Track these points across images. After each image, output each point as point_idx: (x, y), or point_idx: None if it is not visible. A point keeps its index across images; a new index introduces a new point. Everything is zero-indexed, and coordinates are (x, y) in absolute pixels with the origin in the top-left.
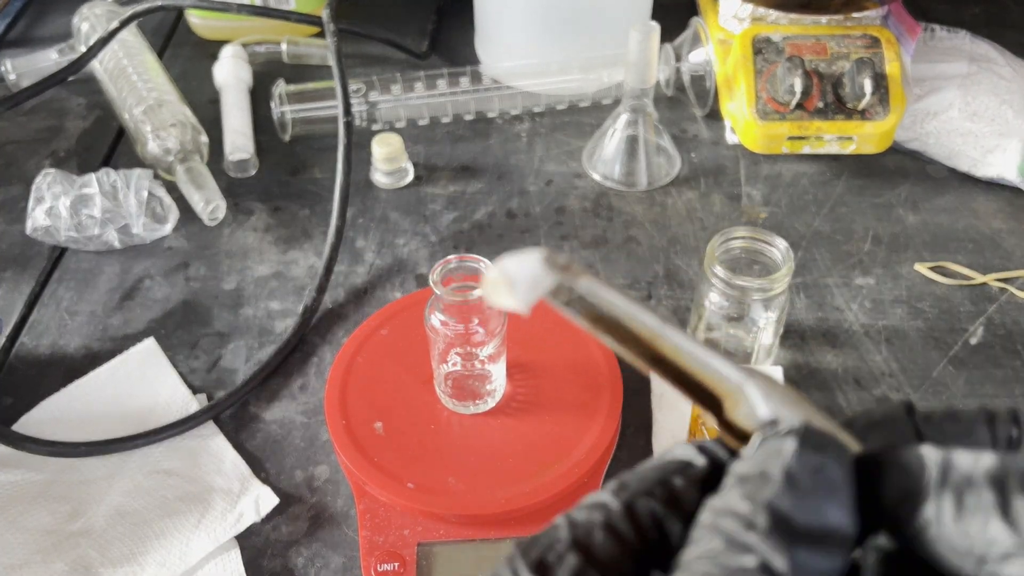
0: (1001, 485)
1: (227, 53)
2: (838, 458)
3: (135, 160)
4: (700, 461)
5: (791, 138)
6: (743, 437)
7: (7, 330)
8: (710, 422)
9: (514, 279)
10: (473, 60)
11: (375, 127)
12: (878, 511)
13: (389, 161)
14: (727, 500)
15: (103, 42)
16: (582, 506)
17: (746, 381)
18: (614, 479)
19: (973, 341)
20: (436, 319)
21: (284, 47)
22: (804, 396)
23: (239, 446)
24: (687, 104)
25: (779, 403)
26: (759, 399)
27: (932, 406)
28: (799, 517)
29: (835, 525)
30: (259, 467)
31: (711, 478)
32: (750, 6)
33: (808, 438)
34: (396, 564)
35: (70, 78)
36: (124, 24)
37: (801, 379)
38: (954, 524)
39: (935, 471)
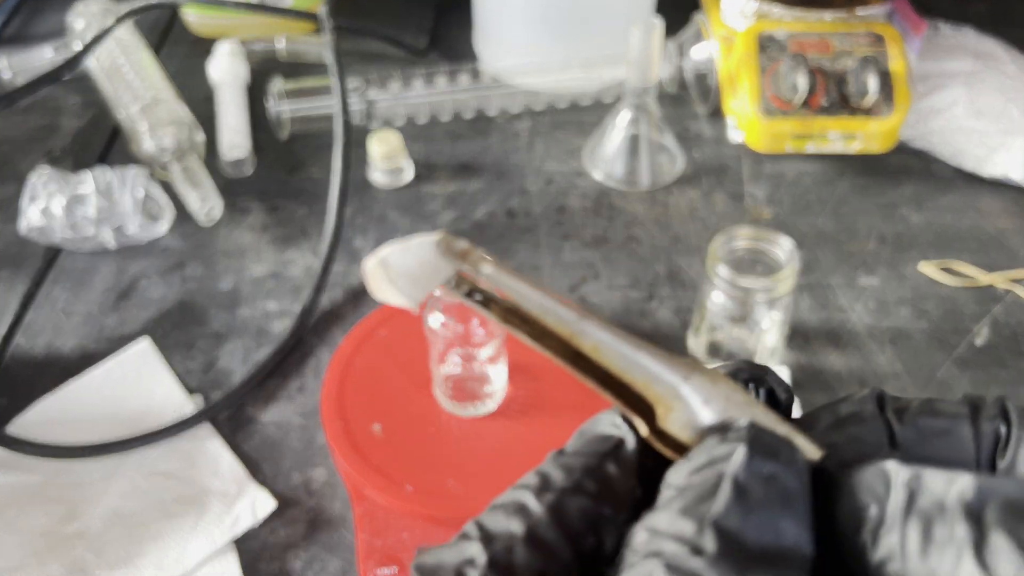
0: (977, 517)
1: (223, 50)
2: (793, 464)
3: (130, 159)
4: (631, 441)
5: (795, 136)
6: (680, 449)
7: (2, 330)
8: (640, 430)
9: (397, 270)
10: (473, 57)
11: (373, 125)
12: (833, 536)
13: (388, 160)
14: (666, 518)
15: (99, 40)
16: (496, 507)
17: (682, 383)
18: (532, 469)
19: (978, 342)
20: (435, 319)
21: (281, 44)
22: (751, 396)
23: (236, 448)
24: (689, 102)
25: (722, 406)
26: (698, 403)
27: (908, 398)
28: (751, 535)
29: (791, 544)
30: (256, 469)
31: (644, 459)
32: (755, 3)
33: (758, 442)
34: (395, 568)
35: (65, 76)
36: (120, 21)
37: (805, 380)
38: (919, 559)
39: (901, 494)
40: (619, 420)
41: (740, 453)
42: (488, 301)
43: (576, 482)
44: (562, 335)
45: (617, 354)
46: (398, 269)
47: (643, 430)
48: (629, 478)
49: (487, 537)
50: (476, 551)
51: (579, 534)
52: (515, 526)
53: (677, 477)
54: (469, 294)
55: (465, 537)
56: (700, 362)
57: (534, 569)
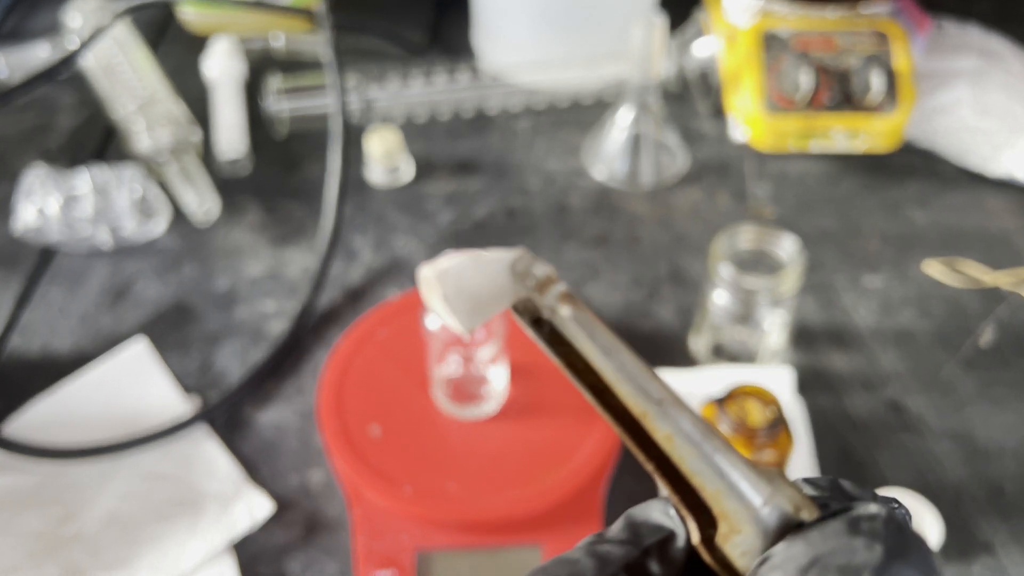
0: None
1: (220, 48)
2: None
3: (126, 158)
4: (682, 538)
5: (799, 134)
6: (729, 570)
7: None
8: (692, 536)
9: (456, 287)
10: (472, 54)
11: (372, 123)
12: None
13: (386, 158)
14: None
15: (96, 38)
16: None
17: (761, 506)
18: (567, 553)
19: (982, 342)
20: (433, 319)
21: (278, 41)
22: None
23: (233, 450)
24: (691, 100)
25: (819, 549)
26: (772, 536)
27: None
28: None
29: None
30: (254, 471)
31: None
32: (758, 0)
33: (897, 542)
34: (393, 570)
35: (62, 75)
36: (117, 19)
37: (808, 380)
38: None
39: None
40: (673, 512)
41: (876, 553)
42: (555, 338)
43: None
44: (633, 409)
45: (694, 453)
46: (458, 286)
47: (695, 537)
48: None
49: None
50: None
51: None
52: None
53: (792, 556)
54: (535, 323)
55: None
56: (783, 478)
57: None
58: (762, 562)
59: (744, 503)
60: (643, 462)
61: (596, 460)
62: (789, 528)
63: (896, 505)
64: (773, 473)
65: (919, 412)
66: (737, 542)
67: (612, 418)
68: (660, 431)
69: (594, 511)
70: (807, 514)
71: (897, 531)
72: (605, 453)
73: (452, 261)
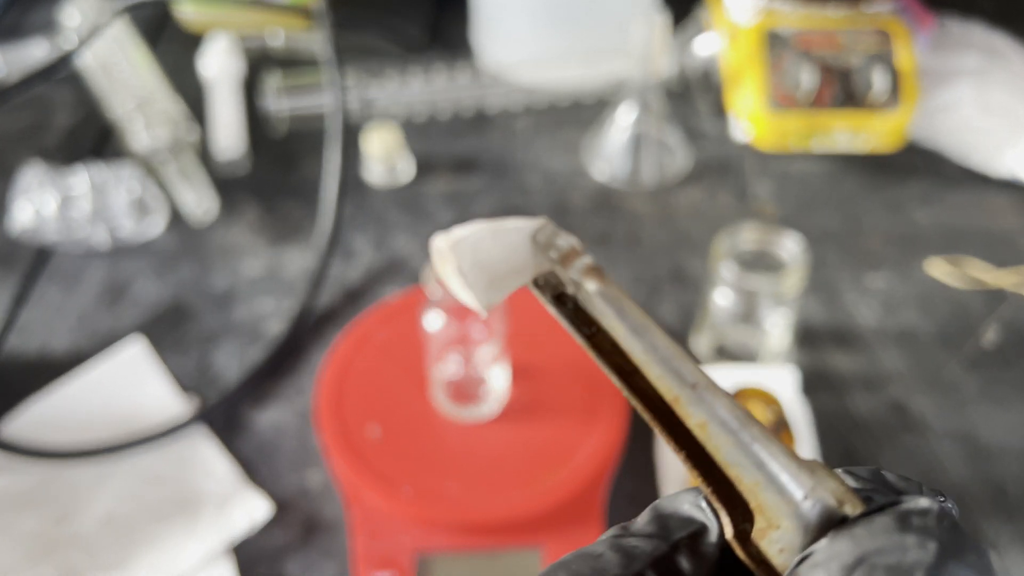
0: None
1: (217, 47)
2: (987, 572)
3: (124, 156)
4: (715, 531)
5: (802, 132)
6: (765, 566)
7: None
8: (726, 530)
9: (472, 259)
10: (471, 51)
11: (371, 122)
12: None
13: (386, 157)
14: None
15: (94, 36)
16: None
17: (802, 501)
18: (589, 547)
19: (985, 342)
20: (432, 319)
21: (277, 40)
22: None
23: (231, 450)
24: (693, 99)
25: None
26: (814, 531)
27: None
28: None
29: None
30: (252, 472)
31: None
32: None
33: (952, 542)
34: (392, 572)
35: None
36: (115, 17)
37: (811, 380)
38: None
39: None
40: (705, 504)
41: (929, 552)
42: (580, 315)
43: (636, 573)
44: (664, 393)
45: (730, 442)
46: (473, 258)
47: (728, 531)
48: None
49: None
50: None
51: None
52: None
53: (837, 553)
54: (558, 299)
55: None
56: (825, 469)
57: None
58: (802, 560)
59: (784, 496)
60: (674, 451)
61: (597, 461)
62: (832, 523)
63: (944, 499)
64: (815, 464)
65: (921, 412)
66: (775, 538)
67: (640, 403)
68: (694, 417)
69: (595, 513)
70: (851, 508)
71: (951, 528)
72: (606, 454)
73: (468, 230)
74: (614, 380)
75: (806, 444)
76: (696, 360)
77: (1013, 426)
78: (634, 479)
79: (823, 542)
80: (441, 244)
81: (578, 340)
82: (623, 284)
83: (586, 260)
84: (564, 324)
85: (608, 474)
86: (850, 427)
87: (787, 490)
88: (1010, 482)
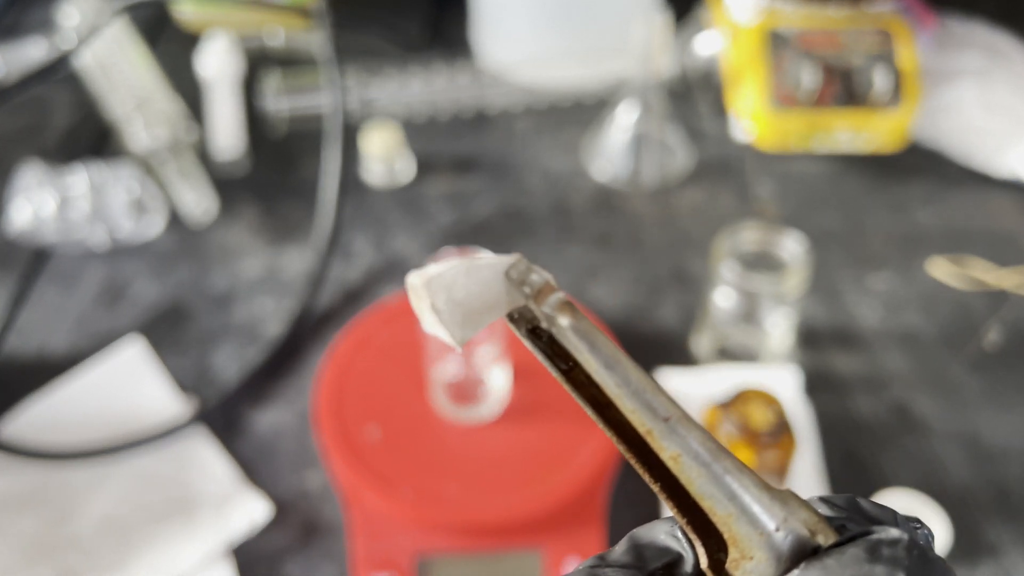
0: None
1: (216, 46)
2: None
3: (123, 156)
4: (690, 561)
5: (804, 132)
6: None
7: None
8: (701, 560)
9: (446, 296)
10: (471, 51)
11: (371, 122)
12: None
13: (386, 157)
14: None
15: (93, 36)
16: None
17: (774, 532)
18: (580, 572)
19: (987, 343)
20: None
21: (276, 39)
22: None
23: (230, 451)
24: (693, 99)
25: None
26: (786, 561)
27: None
28: None
29: None
30: (251, 473)
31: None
32: None
33: (918, 570)
34: (392, 573)
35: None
36: (114, 17)
37: (812, 381)
38: None
39: None
40: (680, 534)
41: None
42: (555, 349)
43: None
44: (637, 426)
45: (703, 475)
46: (448, 295)
47: (703, 562)
48: None
49: None
50: None
51: None
52: None
53: None
54: (532, 332)
55: None
56: (797, 499)
57: None
58: None
59: (757, 527)
60: (648, 482)
61: (597, 463)
62: (805, 554)
63: (919, 526)
64: (787, 494)
65: (923, 413)
66: (749, 568)
67: (615, 435)
68: (667, 450)
69: (596, 515)
70: (824, 538)
71: (920, 558)
72: (607, 456)
73: (441, 267)
74: (589, 412)
75: (808, 445)
76: (668, 394)
77: (1015, 427)
78: (634, 480)
79: (795, 573)
80: (415, 281)
81: (553, 373)
82: (624, 284)
83: (559, 296)
84: (539, 357)
85: (608, 476)
86: (852, 428)
87: (759, 521)
88: (1012, 483)
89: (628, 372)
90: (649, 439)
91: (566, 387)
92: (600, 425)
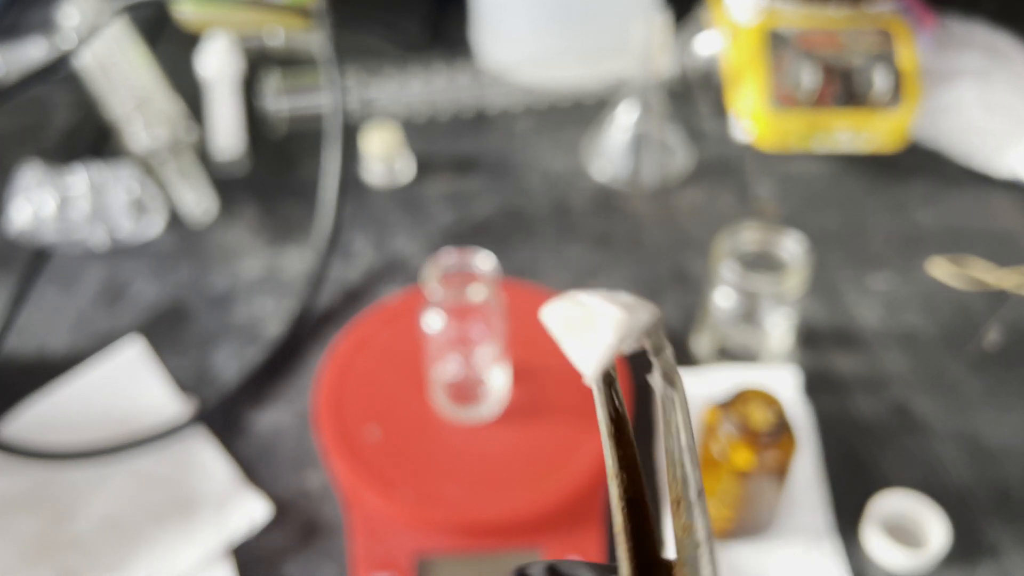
0: None
1: (216, 46)
2: None
3: (123, 156)
4: None
5: (804, 132)
6: None
7: None
8: None
9: (566, 325)
10: (471, 50)
11: (371, 122)
12: None
13: (386, 157)
14: None
15: (93, 36)
16: None
17: None
18: None
19: (987, 343)
20: (431, 319)
21: (276, 39)
22: None
23: (230, 452)
24: (693, 99)
25: None
26: None
27: None
28: None
29: None
30: (251, 473)
31: None
32: None
33: None
34: (392, 573)
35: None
36: (115, 17)
37: (812, 381)
38: None
39: None
40: None
41: None
42: (613, 397)
43: None
44: (672, 491)
45: (695, 551)
46: (567, 324)
47: None
48: None
49: None
50: None
51: None
52: None
53: None
54: (607, 383)
55: None
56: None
57: None
58: None
59: None
60: (619, 519)
61: (597, 463)
62: None
63: None
64: None
65: (923, 413)
66: None
67: (618, 486)
68: (682, 520)
69: (595, 515)
70: None
71: None
72: None
73: (575, 299)
74: (611, 466)
75: (808, 445)
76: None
77: (1016, 427)
78: None
79: None
80: (546, 309)
81: (601, 423)
82: (624, 285)
83: (668, 354)
84: (598, 402)
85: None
86: (852, 428)
87: None
88: (1012, 484)
89: (693, 440)
90: (673, 507)
91: (607, 439)
92: (610, 477)
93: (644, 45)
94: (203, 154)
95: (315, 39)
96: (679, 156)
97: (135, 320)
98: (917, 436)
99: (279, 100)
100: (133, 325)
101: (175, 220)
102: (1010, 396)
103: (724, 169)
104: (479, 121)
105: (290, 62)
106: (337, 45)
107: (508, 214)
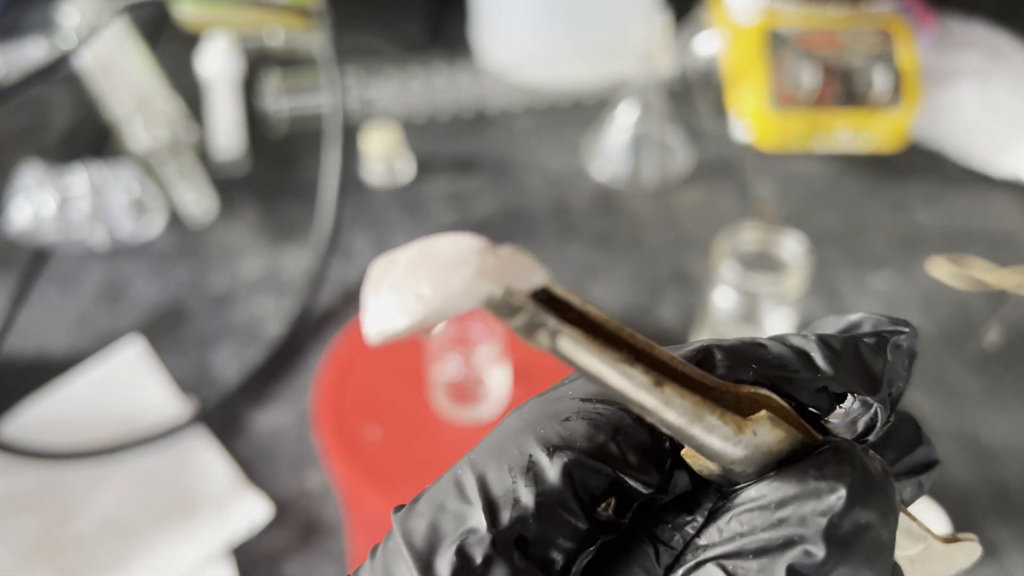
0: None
1: (216, 46)
2: (890, 514)
3: (123, 156)
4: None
5: (804, 132)
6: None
7: None
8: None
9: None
10: (471, 50)
11: (371, 122)
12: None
13: (386, 157)
14: (744, 546)
15: (93, 36)
16: (499, 454)
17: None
18: (545, 401)
19: (987, 343)
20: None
21: (276, 39)
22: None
23: (230, 452)
24: (694, 99)
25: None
26: (767, 487)
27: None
28: None
29: None
30: (251, 473)
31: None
32: None
33: (860, 487)
34: None
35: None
36: (115, 17)
37: None
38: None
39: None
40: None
41: (840, 497)
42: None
43: (598, 445)
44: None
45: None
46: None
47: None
48: (661, 448)
49: (491, 504)
50: (478, 522)
51: (597, 502)
52: (525, 495)
53: (761, 495)
54: (521, 326)
55: (463, 496)
56: (765, 423)
57: (547, 544)
58: (731, 492)
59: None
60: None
61: None
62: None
63: (903, 335)
64: (751, 424)
65: (924, 414)
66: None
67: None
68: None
69: None
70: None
71: (862, 471)
72: None
73: (404, 252)
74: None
75: None
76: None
77: (1015, 427)
78: None
79: (752, 488)
80: (378, 271)
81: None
82: (624, 285)
83: (544, 310)
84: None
85: None
86: None
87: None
88: (1012, 484)
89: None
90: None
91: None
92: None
93: (644, 45)
94: (203, 154)
95: (315, 39)
96: (679, 156)
97: (135, 320)
98: None
99: (279, 100)
100: (133, 325)
101: (175, 220)
102: (1010, 396)
103: (724, 169)
104: (479, 121)
105: (290, 62)
106: (337, 45)
107: (508, 214)
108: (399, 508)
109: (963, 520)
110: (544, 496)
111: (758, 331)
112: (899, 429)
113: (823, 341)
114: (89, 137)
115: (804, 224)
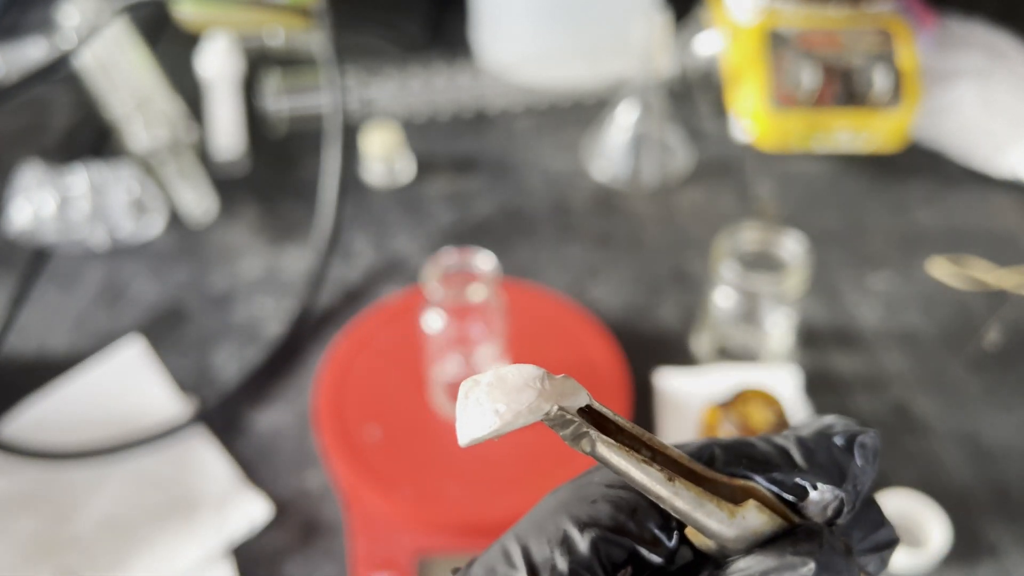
0: None
1: (216, 46)
2: None
3: (123, 156)
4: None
5: (804, 132)
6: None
7: None
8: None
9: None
10: (471, 50)
11: (371, 122)
12: None
13: (386, 157)
14: None
15: (93, 36)
16: (538, 528)
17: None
18: (576, 489)
19: (987, 343)
20: (431, 319)
21: (276, 39)
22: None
23: (230, 452)
24: (694, 99)
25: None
26: (752, 560)
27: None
28: None
29: None
30: (251, 473)
31: None
32: None
33: (828, 562)
34: (392, 573)
35: (60, 73)
36: (115, 17)
37: (812, 381)
38: None
39: None
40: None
41: (810, 569)
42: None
43: (620, 524)
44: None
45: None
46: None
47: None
48: (670, 527)
49: (532, 569)
50: None
51: (618, 569)
52: (560, 562)
53: (748, 567)
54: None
55: (510, 562)
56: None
57: None
58: (725, 563)
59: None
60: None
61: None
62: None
63: (863, 438)
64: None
65: (924, 413)
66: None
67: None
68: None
69: None
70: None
71: (828, 548)
72: None
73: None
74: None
75: None
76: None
77: (1016, 427)
78: None
79: (741, 561)
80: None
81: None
82: (624, 285)
83: (586, 425)
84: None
85: None
86: None
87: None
88: (1013, 484)
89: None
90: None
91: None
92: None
93: (644, 45)
94: (203, 154)
95: (315, 39)
96: (679, 156)
97: (135, 320)
98: (917, 436)
99: (279, 100)
100: (133, 325)
101: (175, 220)
102: (1010, 396)
103: (724, 169)
104: (479, 121)
105: (290, 62)
106: (337, 45)
107: (508, 214)
108: (456, 570)
109: (963, 520)
110: (576, 564)
111: (758, 331)
112: (867, 512)
113: (800, 441)
114: (89, 137)
115: (804, 224)
